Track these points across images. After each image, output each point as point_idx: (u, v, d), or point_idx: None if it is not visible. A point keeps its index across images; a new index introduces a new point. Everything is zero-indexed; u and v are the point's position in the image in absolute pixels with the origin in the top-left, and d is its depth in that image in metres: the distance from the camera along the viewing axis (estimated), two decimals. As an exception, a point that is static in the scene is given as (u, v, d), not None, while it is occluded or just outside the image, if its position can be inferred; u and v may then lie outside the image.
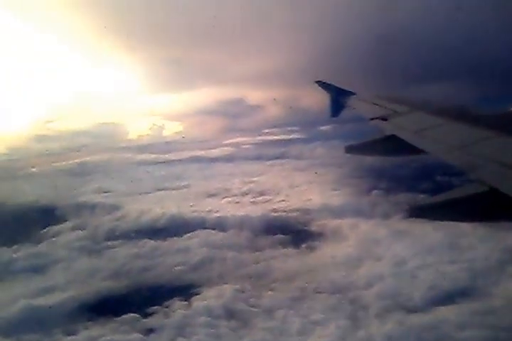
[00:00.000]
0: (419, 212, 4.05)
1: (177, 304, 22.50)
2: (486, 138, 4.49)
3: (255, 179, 51.37)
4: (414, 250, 25.94)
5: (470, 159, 4.08)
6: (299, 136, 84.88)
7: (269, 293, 23.02)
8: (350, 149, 6.59)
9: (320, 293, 22.23)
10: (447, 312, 18.84)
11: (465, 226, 25.63)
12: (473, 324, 17.71)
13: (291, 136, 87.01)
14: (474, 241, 25.55)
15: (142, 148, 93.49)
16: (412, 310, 19.45)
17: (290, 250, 29.15)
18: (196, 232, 33.54)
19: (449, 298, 20.08)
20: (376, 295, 21.12)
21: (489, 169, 3.73)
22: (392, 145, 5.76)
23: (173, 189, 51.75)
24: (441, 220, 3.97)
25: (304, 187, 45.14)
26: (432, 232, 27.10)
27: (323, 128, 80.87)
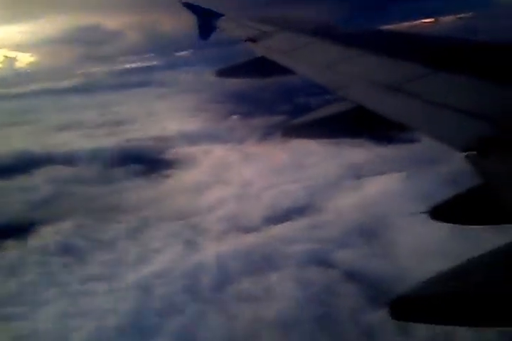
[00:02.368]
0: (291, 132, 4.21)
1: (11, 244, 21.24)
2: (353, 56, 4.49)
3: (112, 109, 49.28)
4: (262, 172, 26.46)
5: (337, 78, 4.10)
6: (159, 63, 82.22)
7: (113, 225, 22.43)
8: (220, 73, 6.51)
9: (163, 221, 22.04)
10: (280, 230, 19.52)
11: (314, 146, 26.38)
12: (302, 239, 18.54)
13: (151, 63, 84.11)
14: (320, 159, 26.51)
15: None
16: (248, 230, 19.91)
17: (142, 180, 28.56)
18: (45, 168, 31.81)
19: (285, 216, 20.78)
20: (217, 219, 21.38)
21: (355, 87, 3.73)
22: (262, 66, 5.72)
23: (22, 124, 48.15)
24: (312, 138, 4.46)
25: (164, 115, 44.04)
26: (282, 153, 27.68)
27: (185, 53, 78.83)
